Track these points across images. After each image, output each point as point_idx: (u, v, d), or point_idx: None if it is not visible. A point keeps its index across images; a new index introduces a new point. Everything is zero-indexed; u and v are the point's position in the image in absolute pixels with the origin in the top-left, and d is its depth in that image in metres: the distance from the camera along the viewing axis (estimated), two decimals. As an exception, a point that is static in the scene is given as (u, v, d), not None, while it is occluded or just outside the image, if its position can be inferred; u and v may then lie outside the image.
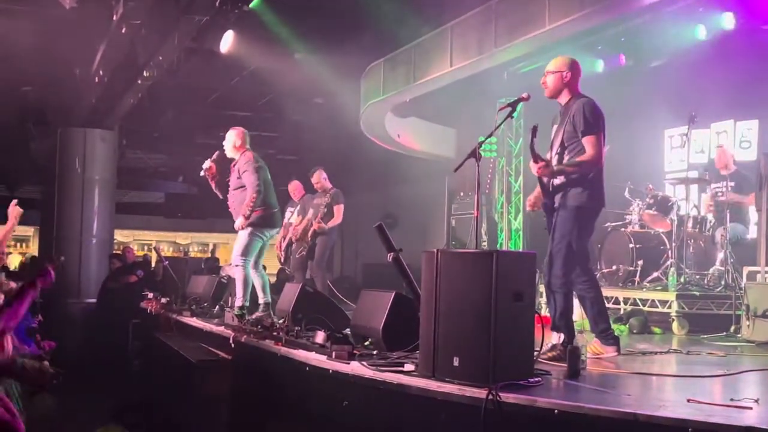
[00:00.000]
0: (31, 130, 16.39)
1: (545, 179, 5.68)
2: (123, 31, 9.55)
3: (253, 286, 7.93)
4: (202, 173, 8.07)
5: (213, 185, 8.13)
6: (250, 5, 9.99)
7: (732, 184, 8.86)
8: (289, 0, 11.24)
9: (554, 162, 5.64)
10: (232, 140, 7.94)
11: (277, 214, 7.95)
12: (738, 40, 9.39)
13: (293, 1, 11.36)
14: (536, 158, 5.50)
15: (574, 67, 5.75)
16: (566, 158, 5.60)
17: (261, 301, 7.85)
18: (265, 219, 7.77)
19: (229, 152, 7.94)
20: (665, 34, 9.81)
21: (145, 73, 10.64)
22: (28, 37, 11.30)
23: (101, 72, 11.56)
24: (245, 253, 7.73)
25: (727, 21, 9.10)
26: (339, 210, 9.98)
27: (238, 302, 7.81)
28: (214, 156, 7.96)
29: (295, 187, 10.99)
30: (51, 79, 13.86)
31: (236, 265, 7.79)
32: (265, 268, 8.32)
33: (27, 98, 15.16)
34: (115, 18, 9.55)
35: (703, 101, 9.48)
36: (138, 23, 9.44)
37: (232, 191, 7.92)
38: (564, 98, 5.73)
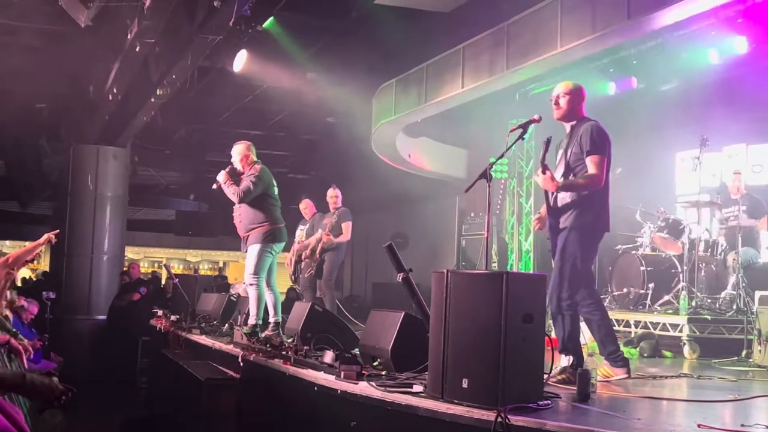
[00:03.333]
0: (45, 147, 16.50)
1: (550, 195, 5.71)
2: (137, 49, 9.62)
3: (265, 305, 7.92)
4: (214, 186, 8.06)
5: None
6: (264, 25, 10.08)
7: (743, 207, 8.84)
8: (302, 20, 11.31)
9: None
10: (240, 153, 7.98)
11: (283, 229, 7.92)
12: (750, 65, 9.40)
13: (306, 21, 11.43)
14: (544, 169, 5.53)
15: (583, 90, 5.86)
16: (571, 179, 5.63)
17: (271, 319, 7.84)
18: (272, 234, 7.76)
19: (237, 165, 7.95)
20: (677, 57, 9.83)
21: (158, 91, 10.71)
22: (43, 54, 11.40)
23: (115, 90, 11.64)
24: (257, 270, 7.72)
25: (740, 45, 9.10)
26: (347, 227, 10.01)
27: (252, 320, 7.79)
28: (228, 169, 7.97)
29: (306, 206, 11.00)
30: (65, 96, 13.96)
31: (250, 284, 7.77)
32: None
33: (41, 115, 15.27)
34: (129, 36, 9.62)
35: (715, 125, 9.48)
36: (152, 42, 9.50)
37: (237, 204, 7.93)
38: (571, 121, 5.77)
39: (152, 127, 14.30)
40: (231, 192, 7.76)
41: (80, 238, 14.38)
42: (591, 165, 5.53)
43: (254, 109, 15.66)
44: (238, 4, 8.03)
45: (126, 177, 15.16)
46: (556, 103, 5.78)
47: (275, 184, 8.00)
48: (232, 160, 8.02)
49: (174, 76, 10.17)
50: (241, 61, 10.70)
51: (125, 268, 15.36)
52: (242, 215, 7.86)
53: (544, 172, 5.55)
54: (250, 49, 10.61)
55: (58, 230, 6.96)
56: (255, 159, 8.00)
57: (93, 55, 11.45)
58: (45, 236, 6.76)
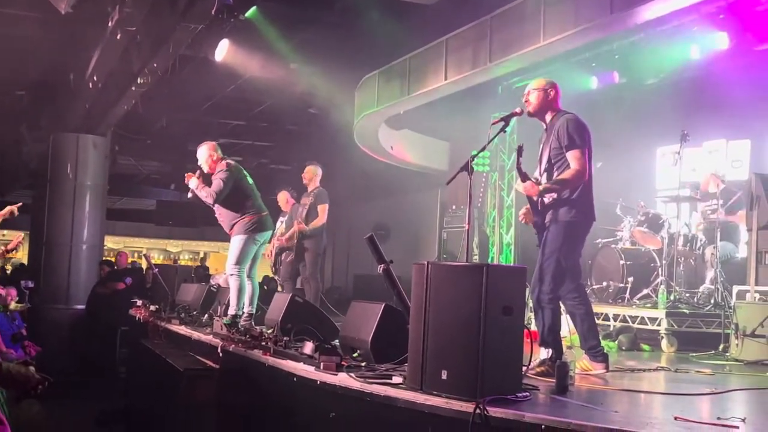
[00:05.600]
0: (24, 135, 16.36)
1: (534, 198, 5.70)
2: (118, 37, 9.55)
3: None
4: (189, 195, 7.95)
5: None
6: (246, 15, 10.03)
7: (721, 201, 8.90)
8: (285, 10, 11.27)
9: (543, 179, 5.67)
10: (206, 155, 7.90)
11: (266, 217, 7.83)
12: (731, 61, 9.45)
13: (289, 11, 11.39)
14: (524, 177, 5.52)
15: (556, 86, 5.82)
16: (555, 174, 5.63)
17: (245, 309, 7.79)
18: (256, 224, 7.69)
19: (205, 167, 7.86)
20: (659, 52, 9.87)
21: (139, 80, 10.62)
22: (23, 41, 11.29)
23: (95, 78, 11.55)
24: (240, 261, 7.65)
25: (721, 41, 9.14)
26: (323, 210, 9.77)
27: (231, 310, 7.75)
28: (197, 173, 7.88)
29: (284, 197, 10.92)
30: (45, 84, 13.84)
31: (231, 274, 7.71)
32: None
33: (21, 102, 15.14)
34: (110, 24, 9.54)
35: (696, 120, 9.54)
36: (133, 30, 9.43)
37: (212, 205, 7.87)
38: (548, 116, 5.78)
39: (133, 116, 14.17)
40: (204, 195, 7.67)
41: (59, 227, 14.29)
42: (572, 160, 5.52)
43: (236, 99, 15.59)
44: (221, -7, 7.99)
45: (106, 166, 15.06)
46: (527, 100, 5.79)
47: (247, 174, 7.92)
48: (198, 163, 7.94)
49: (155, 65, 10.09)
50: (223, 50, 10.62)
51: (108, 258, 15.27)
52: (222, 213, 7.81)
53: (524, 180, 5.55)
54: (233, 38, 10.54)
55: (20, 203, 7.01)
56: (221, 156, 7.94)
57: (73, 42, 11.35)
58: (8, 208, 6.79)
